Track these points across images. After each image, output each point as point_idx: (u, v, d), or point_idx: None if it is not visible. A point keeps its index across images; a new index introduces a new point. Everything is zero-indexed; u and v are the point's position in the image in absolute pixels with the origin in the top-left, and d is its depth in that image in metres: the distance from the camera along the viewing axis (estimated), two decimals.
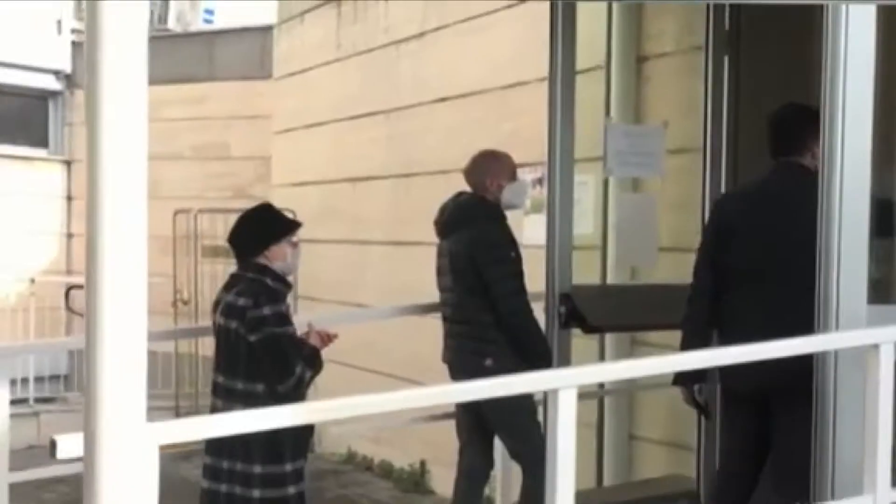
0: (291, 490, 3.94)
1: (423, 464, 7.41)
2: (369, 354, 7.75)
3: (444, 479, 7.28)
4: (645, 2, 5.52)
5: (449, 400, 3.94)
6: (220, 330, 4.02)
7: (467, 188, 4.77)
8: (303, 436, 3.96)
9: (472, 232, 4.52)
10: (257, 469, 3.86)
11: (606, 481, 5.45)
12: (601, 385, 5.37)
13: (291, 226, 4.17)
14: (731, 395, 4.11)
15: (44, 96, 13.30)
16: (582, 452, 5.44)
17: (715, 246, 4.06)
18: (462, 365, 4.55)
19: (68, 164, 12.94)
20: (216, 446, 3.89)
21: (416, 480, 7.40)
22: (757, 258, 3.84)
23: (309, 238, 9.04)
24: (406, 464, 7.52)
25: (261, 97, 11.36)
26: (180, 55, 12.57)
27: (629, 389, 5.45)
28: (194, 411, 9.53)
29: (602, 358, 5.46)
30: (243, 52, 11.91)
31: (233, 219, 11.02)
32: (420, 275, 7.30)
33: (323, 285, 8.72)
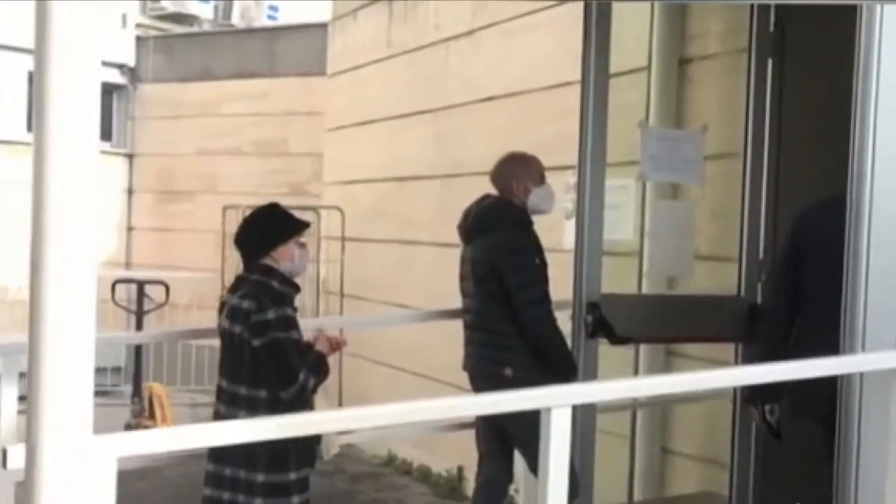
0: (296, 500, 3.83)
1: (460, 470, 7.29)
2: (412, 357, 7.67)
3: None
4: (682, 2, 5.33)
5: (449, 414, 3.80)
6: (225, 333, 3.93)
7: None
8: (308, 444, 3.84)
9: (495, 237, 4.39)
10: (260, 477, 3.76)
11: (637, 496, 5.29)
12: (634, 397, 5.22)
13: (299, 226, 4.04)
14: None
15: (108, 90, 13.43)
16: (613, 465, 5.33)
17: (794, 262, 3.90)
18: (482, 373, 4.44)
19: (130, 157, 13.07)
20: (219, 453, 3.80)
21: (452, 486, 7.28)
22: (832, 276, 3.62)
23: (358, 237, 9.03)
24: (444, 469, 7.41)
25: (318, 94, 11.35)
26: (243, 51, 12.63)
27: (663, 402, 5.28)
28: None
29: (636, 370, 5.30)
30: (303, 49, 11.91)
31: None
32: None
33: (370, 285, 8.66)
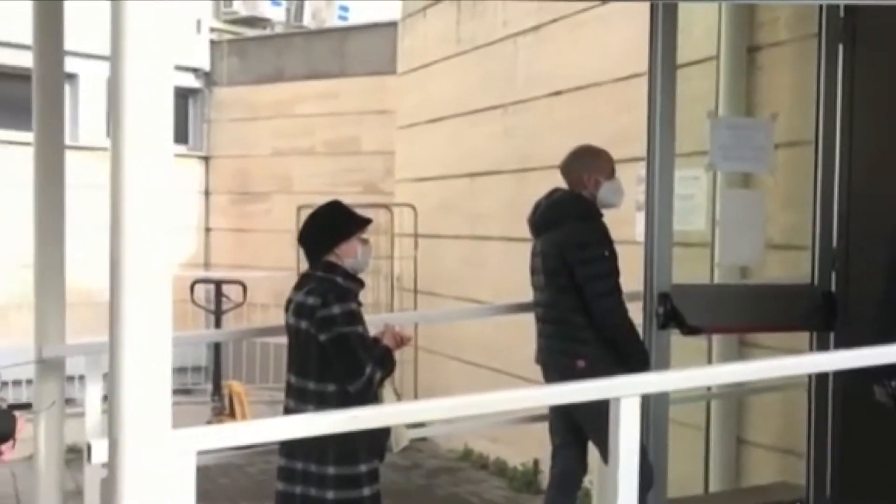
0: (366, 491, 3.89)
1: (536, 463, 7.32)
2: (486, 351, 7.71)
3: None
4: (748, 3, 5.29)
5: (521, 405, 3.82)
6: (291, 330, 4.01)
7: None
8: (378, 437, 3.89)
9: (565, 231, 4.41)
10: (331, 470, 3.82)
11: (713, 487, 5.27)
12: (709, 387, 5.21)
13: (361, 222, 4.09)
14: None
15: (184, 94, 13.67)
16: (689, 456, 5.31)
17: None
18: (555, 366, 4.46)
19: (206, 159, 13.29)
20: (290, 448, 3.87)
21: (528, 480, 7.30)
22: None
23: (430, 233, 9.09)
24: (520, 463, 7.44)
25: (389, 92, 11.44)
26: (314, 52, 12.76)
27: (737, 393, 5.25)
28: None
29: (709, 359, 5.28)
30: (373, 48, 12.00)
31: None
32: None
33: (442, 281, 8.72)
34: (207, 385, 10.35)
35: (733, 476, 5.31)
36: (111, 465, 2.11)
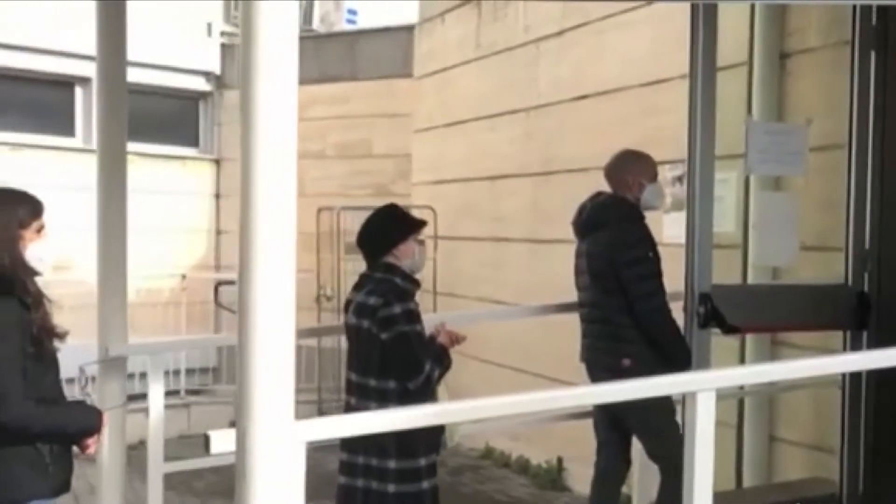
0: (426, 485, 4.02)
1: (559, 461, 7.44)
2: (512, 352, 7.82)
3: (580, 477, 7.28)
4: (786, 3, 5.41)
5: (589, 401, 3.96)
6: (352, 329, 4.12)
7: (606, 186, 4.79)
8: (435, 431, 4.02)
9: (611, 233, 4.53)
10: (392, 464, 3.93)
11: (746, 483, 5.39)
12: (741, 385, 5.32)
13: (417, 224, 4.22)
14: None
15: (194, 97, 13.75)
16: (721, 453, 5.41)
17: None
18: (600, 365, 4.57)
19: (217, 162, 13.37)
20: (351, 443, 3.98)
21: (552, 478, 7.42)
22: None
23: (449, 235, 9.20)
24: (543, 460, 7.56)
25: (402, 96, 11.53)
26: (325, 55, 12.85)
27: (769, 390, 5.38)
28: (337, 406, 9.77)
29: (742, 359, 5.40)
30: (385, 52, 12.09)
31: None
32: (558, 273, 7.33)
33: (462, 282, 8.83)
34: (216, 386, 10.45)
35: (765, 472, 5.43)
36: (239, 452, 2.21)
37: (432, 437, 4.02)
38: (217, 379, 10.57)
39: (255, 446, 2.19)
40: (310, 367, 10.12)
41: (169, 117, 13.63)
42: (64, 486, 3.22)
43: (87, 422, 3.27)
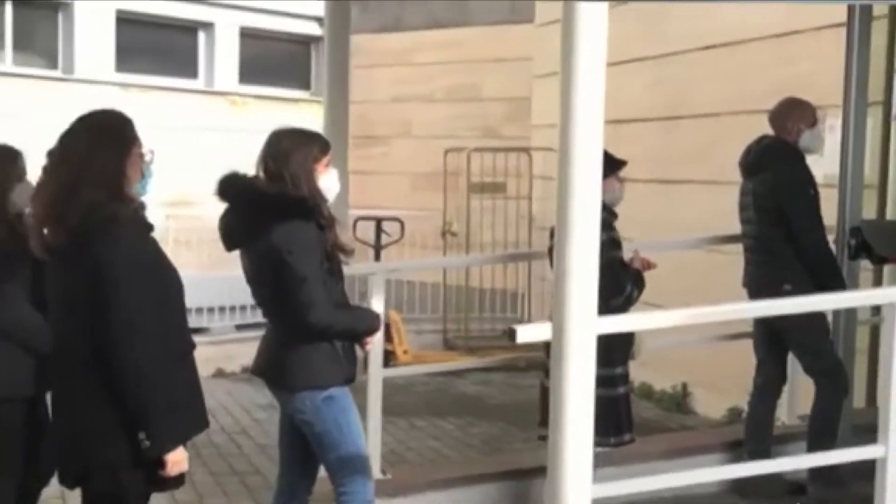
0: (621, 389, 4.62)
1: (684, 386, 7.96)
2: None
3: (704, 401, 7.82)
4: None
5: (788, 311, 4.38)
6: None
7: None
8: (627, 345, 4.59)
9: (776, 172, 4.97)
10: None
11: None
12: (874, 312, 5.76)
13: (618, 164, 4.70)
14: None
15: (306, 41, 14.34)
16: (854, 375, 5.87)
17: None
18: (762, 289, 5.04)
19: None
20: None
21: (677, 401, 7.94)
22: None
23: None
24: (668, 386, 8.07)
25: (510, 41, 11.97)
26: (435, 2, 13.30)
27: None
28: (462, 335, 10.40)
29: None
30: None
31: (500, 158, 11.65)
32: (684, 212, 7.81)
33: None
34: None
35: None
36: (555, 340, 2.78)
37: (626, 348, 4.58)
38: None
39: (569, 333, 2.76)
40: (435, 300, 10.72)
41: (282, 61, 14.25)
42: (353, 377, 3.82)
43: (372, 323, 3.86)
